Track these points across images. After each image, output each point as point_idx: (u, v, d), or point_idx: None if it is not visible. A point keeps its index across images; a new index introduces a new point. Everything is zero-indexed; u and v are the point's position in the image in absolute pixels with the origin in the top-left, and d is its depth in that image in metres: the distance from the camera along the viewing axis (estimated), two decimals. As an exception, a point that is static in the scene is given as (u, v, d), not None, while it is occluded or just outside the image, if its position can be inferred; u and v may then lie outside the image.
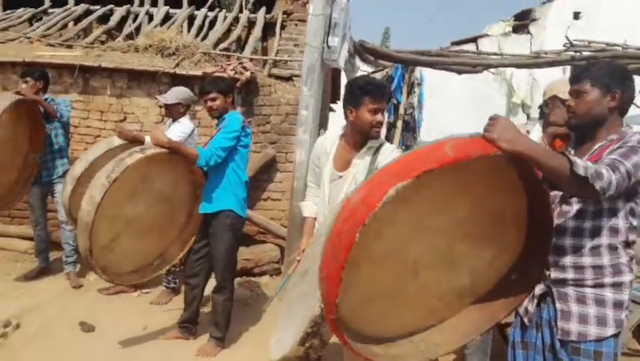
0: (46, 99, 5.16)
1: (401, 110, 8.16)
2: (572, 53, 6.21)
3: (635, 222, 2.03)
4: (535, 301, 2.19)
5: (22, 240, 6.07)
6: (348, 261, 1.88)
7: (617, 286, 2.02)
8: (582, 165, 1.75)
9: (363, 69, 8.67)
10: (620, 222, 2.01)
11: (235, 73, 5.96)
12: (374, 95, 2.82)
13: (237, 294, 4.57)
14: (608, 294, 2.01)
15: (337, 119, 9.74)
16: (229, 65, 6.11)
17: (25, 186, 5.25)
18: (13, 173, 5.14)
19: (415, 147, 7.89)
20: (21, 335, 4.08)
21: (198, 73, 5.93)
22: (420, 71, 8.23)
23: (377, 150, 2.91)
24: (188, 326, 4.25)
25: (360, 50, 6.00)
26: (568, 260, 2.07)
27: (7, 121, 4.69)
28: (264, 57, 6.86)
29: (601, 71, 2.10)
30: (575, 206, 2.08)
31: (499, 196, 2.07)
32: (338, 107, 12.03)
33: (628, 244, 2.04)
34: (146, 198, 4.00)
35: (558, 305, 2.09)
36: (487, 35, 8.59)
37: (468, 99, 8.27)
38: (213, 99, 3.97)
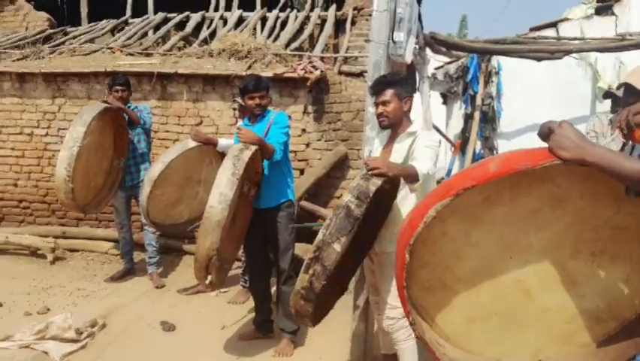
0: (129, 107, 5.38)
1: (478, 101, 7.88)
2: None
3: None
4: None
5: (109, 242, 6.37)
6: (409, 281, 1.99)
7: None
8: None
9: (438, 59, 8.49)
10: None
11: (305, 72, 5.98)
12: (371, 91, 3.25)
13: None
14: None
15: (416, 114, 9.60)
16: (299, 64, 6.14)
17: (111, 191, 5.52)
18: (100, 178, 5.42)
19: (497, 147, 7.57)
20: (107, 334, 4.29)
21: (269, 74, 6.00)
22: (497, 60, 7.91)
23: (415, 137, 3.06)
24: (265, 324, 4.31)
25: (432, 42, 5.84)
26: None
27: (95, 128, 4.93)
28: (334, 55, 6.84)
29: None
30: None
31: (609, 207, 1.92)
32: (415, 100, 11.94)
33: None
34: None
35: None
36: (568, 19, 8.12)
37: (550, 86, 7.84)
38: (262, 97, 4.05)
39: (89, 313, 4.49)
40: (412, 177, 2.81)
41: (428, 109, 5.26)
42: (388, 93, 3.11)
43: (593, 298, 2.10)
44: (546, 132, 3.44)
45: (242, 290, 5.18)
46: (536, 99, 7.77)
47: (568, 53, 5.97)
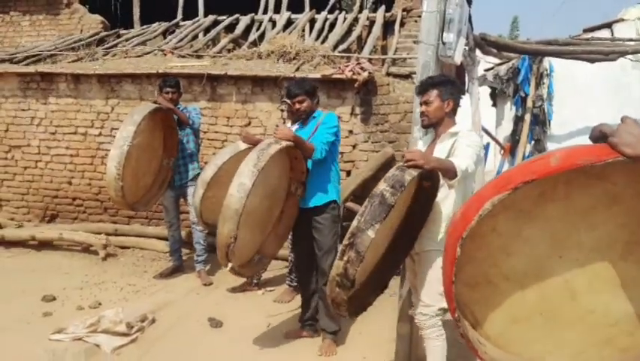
0: (179, 107, 5.49)
1: (529, 103, 7.75)
2: None
3: None
4: None
5: (159, 240, 6.50)
6: (458, 276, 1.91)
7: None
8: None
9: (488, 61, 8.37)
10: None
11: (353, 74, 5.98)
12: (417, 91, 3.28)
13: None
14: None
15: (465, 115, 9.49)
16: (347, 66, 6.14)
17: (161, 190, 5.63)
18: (150, 177, 5.53)
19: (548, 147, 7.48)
20: (156, 329, 4.38)
21: (317, 76, 6.03)
22: (549, 61, 7.75)
23: (457, 137, 3.08)
24: (311, 323, 4.33)
25: (482, 43, 5.76)
26: None
27: (145, 128, 5.05)
28: (382, 56, 6.82)
29: None
30: None
31: None
32: (464, 102, 11.78)
33: None
34: (262, 191, 4.10)
35: None
36: (624, 20, 7.88)
37: (604, 89, 7.63)
38: (301, 102, 4.08)
39: (139, 309, 4.60)
40: (450, 172, 2.79)
41: (477, 111, 5.19)
42: (431, 93, 3.14)
43: (639, 302, 2.03)
44: (598, 135, 3.37)
45: (288, 289, 5.21)
46: (588, 101, 7.57)
47: (623, 54, 5.80)
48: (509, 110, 8.31)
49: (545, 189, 1.86)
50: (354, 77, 5.95)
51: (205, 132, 6.53)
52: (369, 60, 6.59)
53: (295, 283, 5.23)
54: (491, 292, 2.08)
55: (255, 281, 5.40)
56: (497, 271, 2.05)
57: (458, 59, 3.85)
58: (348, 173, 6.14)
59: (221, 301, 5.08)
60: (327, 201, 4.09)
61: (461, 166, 2.79)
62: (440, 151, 3.09)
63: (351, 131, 6.21)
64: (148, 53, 7.74)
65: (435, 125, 3.18)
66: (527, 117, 7.71)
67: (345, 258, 2.55)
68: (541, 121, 7.72)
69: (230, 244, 3.54)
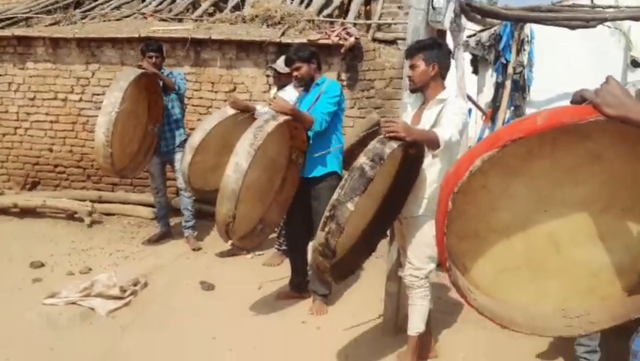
0: (163, 72, 5.44)
1: (510, 70, 7.83)
2: None
3: None
4: None
5: (144, 207, 6.49)
6: (449, 228, 2.02)
7: None
8: None
9: (470, 28, 8.38)
10: None
11: (339, 39, 5.97)
12: (405, 55, 3.29)
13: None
14: None
15: (449, 81, 9.52)
16: (333, 31, 6.13)
17: (146, 156, 5.60)
18: (135, 143, 5.51)
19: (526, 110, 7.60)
20: (149, 293, 4.43)
21: (303, 40, 5.99)
22: (530, 28, 7.82)
23: (444, 104, 3.10)
24: (301, 285, 4.41)
25: (467, 9, 5.78)
26: None
27: (131, 94, 5.00)
28: (368, 21, 6.79)
29: None
30: None
31: (637, 163, 1.94)
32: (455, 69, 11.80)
33: None
34: (261, 164, 4.13)
35: None
36: (604, -14, 7.96)
37: (582, 55, 7.74)
38: (297, 69, 4.09)
39: (130, 273, 4.63)
40: (433, 143, 2.85)
41: (463, 77, 5.24)
42: (417, 58, 3.16)
43: (619, 253, 2.16)
44: (579, 100, 3.45)
45: (276, 253, 5.28)
46: (568, 68, 7.67)
47: (603, 21, 5.85)
48: (490, 77, 8.38)
49: (532, 147, 1.96)
50: (341, 42, 5.94)
51: (189, 98, 6.47)
52: (355, 25, 6.57)
53: (284, 247, 5.30)
54: (480, 244, 2.21)
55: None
56: (486, 225, 2.16)
57: (447, 24, 3.87)
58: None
59: (210, 266, 5.13)
60: (326, 172, 4.11)
61: (444, 137, 2.85)
62: (427, 118, 3.13)
63: (338, 98, 6.22)
64: (127, 16, 7.59)
65: (422, 89, 3.20)
66: (508, 84, 7.80)
67: (327, 229, 2.65)
68: (521, 87, 7.82)
69: (230, 222, 3.58)
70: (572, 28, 6.11)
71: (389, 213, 3.33)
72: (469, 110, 8.87)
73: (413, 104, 3.36)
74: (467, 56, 9.21)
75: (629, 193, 2.06)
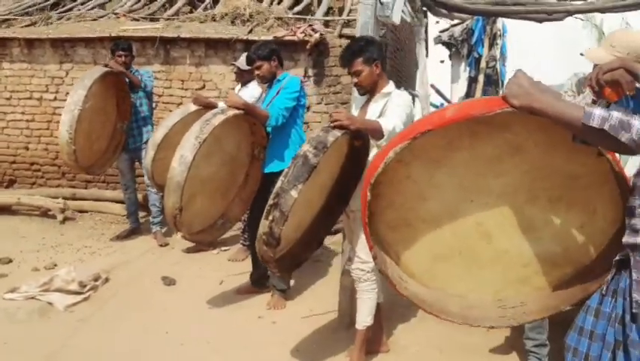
0: (131, 71, 5.51)
1: (482, 64, 7.89)
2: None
3: None
4: (614, 268, 1.96)
5: (117, 203, 6.56)
6: (375, 218, 2.13)
7: None
8: (600, 115, 1.61)
9: (438, 21, 8.42)
10: None
11: (304, 35, 6.03)
12: (341, 63, 3.32)
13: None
14: None
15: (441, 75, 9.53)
16: (299, 27, 6.18)
17: (115, 153, 5.68)
18: (104, 140, 5.59)
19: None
20: (109, 288, 4.51)
21: (269, 37, 6.05)
22: (502, 22, 7.88)
23: (389, 97, 3.16)
24: (261, 280, 4.48)
25: (431, 4, 5.83)
26: (638, 223, 1.82)
27: (97, 92, 5.08)
28: (334, 18, 6.84)
29: None
30: None
31: (562, 156, 2.00)
32: (432, 64, 11.85)
33: None
34: (217, 159, 4.19)
35: (634, 274, 1.80)
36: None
37: (556, 48, 7.84)
38: (258, 67, 4.15)
39: (93, 268, 4.70)
40: (377, 132, 2.89)
41: (425, 71, 5.32)
42: (357, 63, 3.14)
43: (550, 244, 2.20)
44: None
45: (242, 248, 5.35)
46: (541, 61, 7.76)
47: (570, 13, 5.91)
48: (464, 72, 8.45)
49: (452, 139, 2.01)
50: (306, 38, 6.00)
51: (160, 96, 6.55)
52: (327, 22, 6.62)
53: (249, 243, 5.37)
54: (412, 233, 2.27)
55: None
56: (415, 215, 2.23)
57: (397, 18, 3.92)
58: (302, 134, 6.24)
59: (176, 261, 5.21)
60: (283, 168, 4.14)
61: (387, 127, 2.89)
62: (373, 111, 3.18)
63: (304, 94, 6.28)
64: (102, 16, 7.64)
65: (370, 88, 3.22)
66: (481, 78, 7.86)
67: (270, 217, 2.66)
68: (494, 81, 7.88)
69: (176, 215, 3.64)
70: (539, 21, 6.16)
71: (336, 207, 3.38)
72: (441, 106, 8.98)
73: (358, 99, 3.42)
74: (444, 51, 9.30)
75: (553, 184, 2.11)
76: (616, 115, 1.62)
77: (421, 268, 2.31)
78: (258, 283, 4.50)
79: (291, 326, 3.93)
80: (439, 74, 9.68)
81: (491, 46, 7.89)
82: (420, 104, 6.19)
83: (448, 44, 8.71)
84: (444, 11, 6.35)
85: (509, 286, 2.29)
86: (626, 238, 1.89)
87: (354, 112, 3.38)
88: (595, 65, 2.42)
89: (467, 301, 2.29)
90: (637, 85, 2.27)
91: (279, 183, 2.66)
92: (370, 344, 3.49)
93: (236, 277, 4.77)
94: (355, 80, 3.20)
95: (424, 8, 5.69)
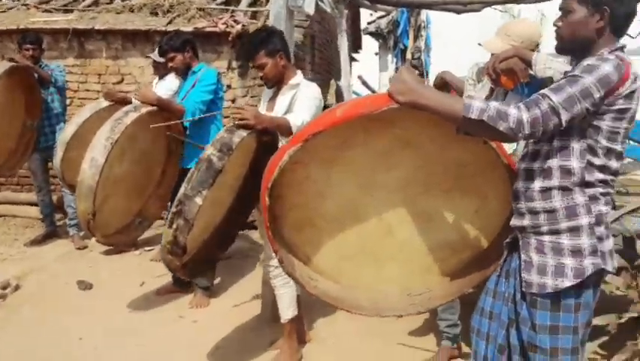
0: (40, 65, 5.20)
1: (408, 55, 7.97)
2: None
3: (597, 161, 1.80)
4: (506, 250, 2.05)
5: (32, 206, 6.20)
6: (278, 222, 2.13)
7: (573, 230, 1.81)
8: (478, 107, 1.63)
9: (372, 13, 8.45)
10: (574, 162, 1.80)
11: (226, 27, 5.86)
12: (244, 58, 3.03)
13: (237, 246, 4.61)
14: (565, 241, 1.81)
15: (360, 69, 9.61)
16: (221, 18, 6.02)
17: (25, 153, 5.35)
18: (12, 140, 5.24)
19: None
20: (20, 296, 4.24)
21: (189, 29, 5.85)
22: (426, 14, 7.97)
23: (297, 89, 3.07)
24: (182, 280, 4.32)
25: (351, -5, 5.81)
26: (523, 206, 1.90)
27: (2, 88, 4.75)
28: (260, 9, 6.70)
29: None
30: (530, 147, 1.92)
31: (456, 147, 2.04)
32: (361, 56, 11.79)
33: (589, 184, 1.82)
34: (131, 157, 4.01)
35: (522, 255, 1.91)
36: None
37: (477, 39, 7.95)
38: (171, 58, 4.01)
39: (3, 275, 4.42)
40: (284, 129, 2.82)
41: (346, 62, 5.26)
42: (260, 57, 3.02)
43: (448, 232, 2.27)
44: (440, 83, 3.48)
45: (164, 248, 5.15)
46: (463, 52, 7.87)
47: (486, 4, 5.99)
48: (391, 62, 8.51)
49: (347, 137, 2.03)
50: (229, 30, 5.84)
51: (75, 91, 6.24)
52: (255, 13, 6.46)
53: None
54: (318, 232, 2.28)
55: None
56: (318, 214, 2.24)
57: (310, 9, 3.84)
58: (227, 128, 6.08)
59: (95, 264, 4.97)
60: None
61: (296, 122, 2.81)
62: (281, 104, 3.08)
63: (229, 86, 6.11)
64: (11, 8, 7.20)
65: (277, 80, 3.11)
66: (407, 69, 7.92)
67: (174, 226, 2.51)
68: (419, 72, 7.95)
69: (89, 220, 3.44)
70: (457, 12, 6.24)
71: (247, 203, 3.26)
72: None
73: (267, 92, 3.30)
74: (373, 42, 9.33)
75: (446, 175, 2.16)
76: (493, 105, 1.65)
77: (330, 265, 2.32)
78: (180, 282, 4.33)
79: (213, 324, 3.81)
80: (372, 65, 9.73)
81: (416, 37, 7.97)
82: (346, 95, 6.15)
83: (376, 35, 8.74)
84: (366, 2, 6.35)
85: (414, 276, 2.34)
86: (514, 221, 1.97)
87: (262, 105, 3.28)
88: (492, 55, 2.46)
89: (377, 294, 2.32)
90: (530, 72, 2.33)
91: (182, 190, 2.51)
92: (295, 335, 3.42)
93: (159, 278, 4.58)
94: (260, 74, 3.10)
95: (346, -1, 5.64)
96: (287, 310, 3.28)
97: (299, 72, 3.19)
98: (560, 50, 1.98)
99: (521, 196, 1.91)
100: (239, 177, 3.15)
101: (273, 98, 3.19)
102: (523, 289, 1.89)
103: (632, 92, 1.78)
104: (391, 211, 2.22)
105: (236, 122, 2.64)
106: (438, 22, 8.10)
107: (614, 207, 4.76)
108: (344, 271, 2.33)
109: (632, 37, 6.52)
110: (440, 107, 1.69)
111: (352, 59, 11.40)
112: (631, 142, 3.50)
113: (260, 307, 3.91)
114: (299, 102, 2.99)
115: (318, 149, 2.00)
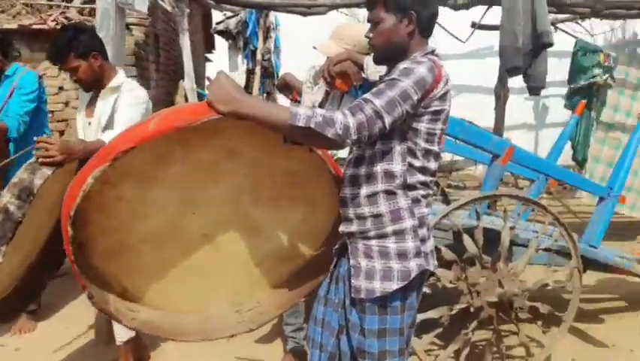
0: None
1: (258, 57, 7.93)
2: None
3: (417, 163, 1.84)
4: (336, 256, 2.05)
5: None
6: (84, 252, 1.88)
7: (398, 234, 1.83)
8: (305, 114, 1.59)
9: (224, 12, 8.27)
10: (396, 165, 1.82)
11: (56, 24, 5.44)
12: (52, 62, 2.83)
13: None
14: (391, 245, 1.83)
15: (215, 70, 9.36)
16: (50, 15, 5.57)
17: None
18: None
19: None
20: None
21: (14, 26, 5.35)
22: (275, 15, 7.96)
23: (119, 93, 2.81)
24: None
25: (190, -6, 5.62)
26: (351, 212, 1.89)
27: None
28: (92, 5, 6.30)
29: None
30: (355, 153, 1.92)
31: (281, 155, 1.95)
32: (216, 56, 11.50)
33: (411, 187, 1.85)
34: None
35: (351, 261, 1.89)
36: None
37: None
38: None
39: None
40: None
41: (189, 62, 5.07)
42: (70, 59, 2.72)
43: (278, 241, 2.20)
44: (282, 84, 3.42)
45: None
46: (313, 54, 7.98)
47: (331, 7, 6.11)
48: (242, 64, 8.42)
49: (162, 151, 1.84)
50: (58, 27, 5.41)
51: None
52: (82, 10, 6.06)
53: None
54: (134, 257, 2.07)
55: None
56: (135, 237, 2.03)
57: (142, 6, 3.65)
58: (62, 133, 5.66)
59: None
60: None
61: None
62: (102, 110, 2.82)
63: (61, 88, 5.71)
64: None
65: (95, 83, 2.83)
66: (258, 70, 7.89)
67: None
68: (270, 74, 7.96)
69: None
70: (303, 14, 6.32)
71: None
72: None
73: (84, 98, 3.01)
74: (223, 42, 9.18)
75: (275, 182, 2.08)
76: (320, 112, 1.63)
77: (152, 291, 2.14)
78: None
79: (39, 352, 3.49)
80: (226, 66, 9.56)
81: (266, 38, 7.94)
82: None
83: (226, 35, 8.59)
84: (211, 2, 6.22)
85: (244, 290, 2.26)
86: (342, 227, 1.96)
87: (80, 112, 3.01)
88: (327, 58, 2.46)
89: (205, 316, 2.19)
90: (363, 75, 2.36)
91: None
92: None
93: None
94: (74, 78, 2.80)
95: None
96: (122, 331, 3.02)
97: (121, 72, 2.93)
98: (378, 60, 2.01)
99: (349, 202, 1.90)
100: (57, 203, 2.84)
101: (92, 103, 2.91)
102: (353, 295, 1.88)
103: (445, 93, 1.84)
104: (217, 226, 2.10)
105: (39, 160, 2.20)
106: (287, 23, 8.12)
107: (448, 202, 5.13)
108: (169, 295, 2.16)
109: (463, 42, 6.98)
110: (265, 116, 1.62)
111: (206, 59, 11.19)
112: (458, 141, 3.69)
113: (94, 330, 3.63)
114: (119, 112, 2.74)
115: (130, 166, 1.79)
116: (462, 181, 8.75)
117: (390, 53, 1.90)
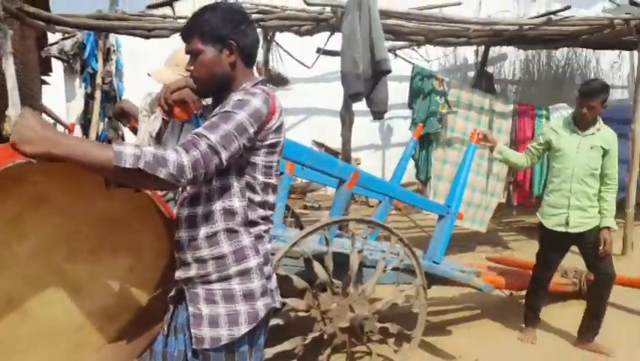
0: None
1: (98, 80, 7.48)
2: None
3: (257, 198, 1.77)
4: (171, 304, 1.87)
5: None
6: None
7: (244, 274, 1.73)
8: (132, 153, 1.43)
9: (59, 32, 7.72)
10: (236, 201, 1.73)
11: None
12: None
13: None
14: (236, 286, 1.72)
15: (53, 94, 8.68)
16: None
17: None
18: None
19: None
20: None
21: None
22: (115, 37, 7.58)
23: None
24: None
25: (21, 15, 5.17)
26: (189, 255, 1.75)
27: None
28: None
29: (208, 22, 1.74)
30: (189, 190, 1.77)
31: (101, 199, 1.74)
32: (53, 79, 10.64)
33: (253, 223, 1.77)
34: None
35: (190, 309, 1.74)
36: (187, -1, 8.28)
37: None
38: None
39: None
40: None
41: (14, 88, 4.63)
42: None
43: (101, 297, 1.96)
44: (118, 112, 3.15)
45: None
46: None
47: (173, 31, 5.90)
48: (79, 88, 7.91)
49: None
50: None
51: None
52: None
53: None
54: None
55: None
56: None
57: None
58: None
59: None
60: None
61: None
62: None
63: None
64: None
65: None
66: (98, 94, 7.45)
67: None
68: (112, 97, 7.56)
69: None
70: (145, 37, 6.06)
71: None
72: (54, 125, 8.28)
73: None
74: (59, 65, 8.60)
75: (91, 231, 1.85)
76: (149, 151, 1.47)
77: None
78: None
79: None
80: (61, 90, 8.94)
81: (106, 61, 7.53)
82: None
83: (61, 58, 8.03)
84: (41, 23, 5.75)
85: (64, 359, 1.96)
86: (179, 273, 1.81)
87: None
88: (164, 85, 2.31)
89: None
90: (203, 103, 2.24)
91: None
92: None
93: None
94: None
95: (10, 17, 4.98)
96: None
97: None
98: (202, 93, 1.93)
99: (185, 246, 1.76)
100: None
101: None
102: (194, 346, 1.73)
103: (280, 125, 1.79)
104: (26, 289, 1.80)
105: None
106: (129, 46, 7.77)
107: (301, 225, 5.15)
108: None
109: (309, 68, 7.12)
110: (84, 156, 1.41)
111: (43, 82, 10.39)
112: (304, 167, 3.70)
113: None
114: None
115: None
116: (317, 202, 8.89)
117: (214, 86, 1.82)
